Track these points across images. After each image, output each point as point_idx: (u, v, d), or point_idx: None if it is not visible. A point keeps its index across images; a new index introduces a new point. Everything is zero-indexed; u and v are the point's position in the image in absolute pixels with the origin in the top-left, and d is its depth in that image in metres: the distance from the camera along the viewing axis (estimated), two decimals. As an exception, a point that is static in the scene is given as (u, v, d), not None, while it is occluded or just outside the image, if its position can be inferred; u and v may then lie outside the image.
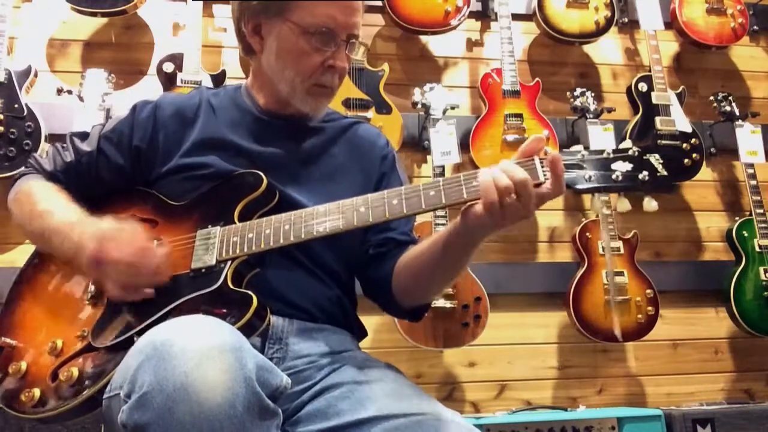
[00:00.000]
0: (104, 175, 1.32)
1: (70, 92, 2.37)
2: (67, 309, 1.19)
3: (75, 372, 1.07)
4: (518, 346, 2.67)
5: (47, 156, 1.35)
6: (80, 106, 2.33)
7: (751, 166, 2.70)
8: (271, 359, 1.02)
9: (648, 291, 2.52)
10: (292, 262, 1.22)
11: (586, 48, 3.01)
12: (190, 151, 1.29)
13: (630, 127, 2.72)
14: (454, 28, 2.76)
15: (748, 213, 2.72)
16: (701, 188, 2.94)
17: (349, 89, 2.54)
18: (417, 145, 2.73)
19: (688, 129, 2.72)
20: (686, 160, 2.70)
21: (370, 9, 2.83)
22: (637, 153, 1.08)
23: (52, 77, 2.63)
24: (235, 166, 1.26)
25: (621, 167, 1.07)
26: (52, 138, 2.38)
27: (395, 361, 1.26)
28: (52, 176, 1.32)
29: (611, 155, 1.08)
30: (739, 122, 2.77)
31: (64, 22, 2.69)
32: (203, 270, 1.12)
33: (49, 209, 1.22)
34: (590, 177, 1.06)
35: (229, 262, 1.12)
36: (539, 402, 2.61)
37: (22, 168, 1.37)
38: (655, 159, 1.08)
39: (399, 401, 1.06)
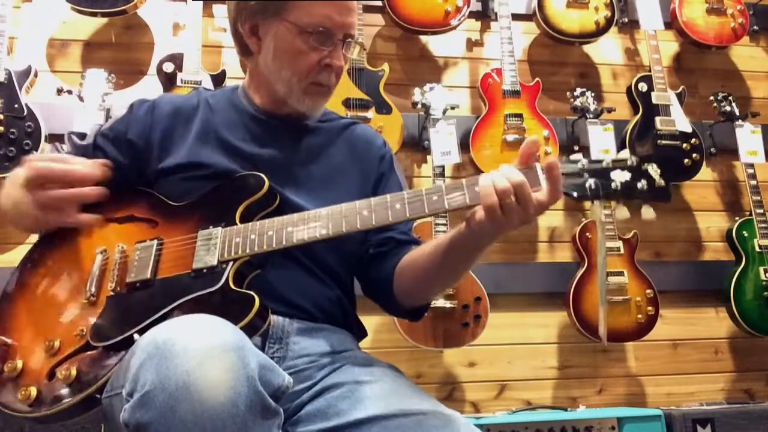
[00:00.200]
0: None
1: (70, 92, 2.37)
2: (64, 308, 1.18)
3: (73, 371, 1.07)
4: (518, 346, 2.67)
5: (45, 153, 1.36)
6: (80, 106, 2.33)
7: (751, 166, 2.70)
8: (271, 358, 1.02)
9: (648, 291, 2.52)
10: (292, 262, 1.22)
11: (586, 48, 3.01)
12: (187, 151, 1.29)
13: (630, 127, 2.72)
14: (454, 28, 2.76)
15: (748, 213, 2.72)
16: (701, 188, 2.94)
17: (349, 89, 2.54)
18: (417, 145, 2.73)
19: (688, 129, 2.72)
20: (686, 160, 2.69)
21: (370, 9, 2.83)
22: (635, 163, 1.10)
23: (52, 77, 2.63)
24: (234, 166, 1.26)
25: (619, 176, 1.09)
26: (52, 138, 2.38)
27: (395, 361, 1.27)
28: None
29: (610, 164, 1.09)
30: (739, 122, 2.77)
31: (64, 22, 2.69)
32: (204, 270, 1.12)
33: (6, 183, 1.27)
34: (590, 185, 1.08)
35: (231, 263, 1.12)
36: (539, 402, 2.61)
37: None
38: (652, 169, 1.10)
39: (399, 401, 1.06)
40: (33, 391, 1.08)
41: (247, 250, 1.12)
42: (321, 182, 1.32)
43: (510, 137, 2.59)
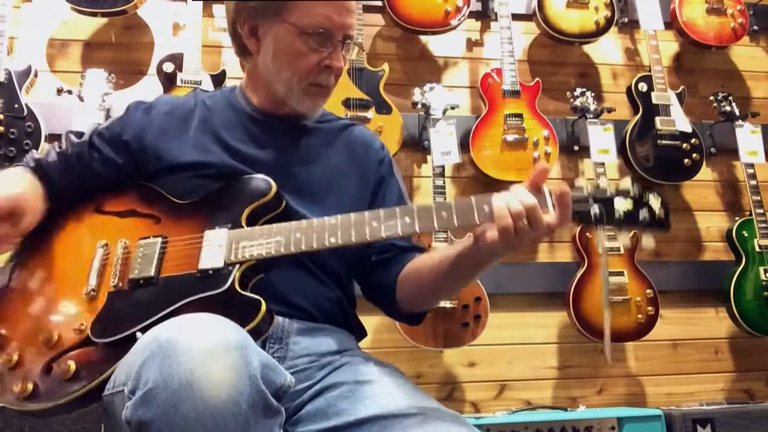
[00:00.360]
0: (96, 167, 1.32)
1: (70, 92, 2.37)
2: (62, 301, 1.17)
3: (72, 366, 1.06)
4: (518, 346, 2.67)
5: (42, 151, 1.36)
6: (80, 106, 2.33)
7: (751, 166, 2.70)
8: (272, 358, 1.03)
9: (648, 291, 2.52)
10: (292, 263, 1.22)
11: (586, 48, 3.01)
12: (186, 152, 1.29)
13: (630, 127, 2.72)
14: (454, 28, 2.76)
15: (748, 213, 2.72)
16: (701, 188, 2.94)
17: (349, 89, 2.54)
18: (417, 145, 2.73)
19: (688, 129, 2.72)
20: (686, 160, 2.70)
21: (370, 9, 2.83)
22: (637, 193, 1.14)
23: (52, 77, 2.63)
24: (232, 167, 1.27)
25: (623, 205, 1.12)
26: (52, 138, 2.38)
27: (395, 361, 1.27)
28: (38, 165, 1.32)
29: (614, 193, 1.13)
30: (739, 122, 2.77)
31: (64, 22, 2.69)
32: (210, 271, 1.12)
33: None
34: (595, 213, 1.11)
35: (238, 266, 1.12)
36: (539, 402, 2.61)
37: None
38: (654, 200, 1.14)
39: (399, 401, 1.07)
40: (29, 385, 1.07)
41: (255, 254, 1.12)
42: (319, 183, 1.32)
43: (510, 137, 2.59)
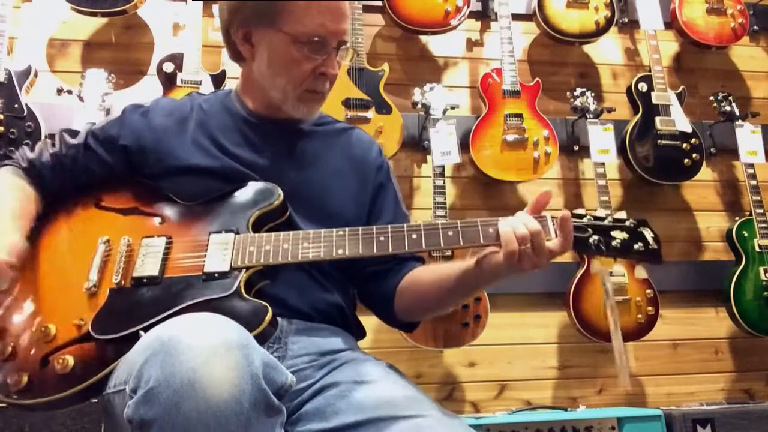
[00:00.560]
0: (91, 168, 1.32)
1: (70, 92, 2.37)
2: (62, 295, 1.17)
3: (70, 361, 1.05)
4: (518, 346, 2.67)
5: (36, 148, 1.34)
6: (80, 106, 2.33)
7: (751, 166, 2.70)
8: (270, 358, 1.03)
9: (648, 291, 2.52)
10: (291, 266, 1.22)
11: (586, 48, 3.01)
12: (184, 155, 1.29)
13: (630, 127, 2.72)
14: (454, 28, 2.76)
15: (748, 213, 2.72)
16: (701, 188, 2.94)
17: (349, 89, 2.54)
18: (417, 145, 2.73)
19: (688, 129, 2.72)
20: (686, 160, 2.69)
21: (370, 9, 2.83)
22: (632, 225, 1.20)
23: (52, 77, 2.63)
24: (232, 171, 1.27)
25: (619, 236, 1.19)
26: (52, 138, 2.38)
27: (395, 361, 1.27)
28: (31, 166, 1.31)
29: (611, 223, 1.20)
30: (739, 122, 2.77)
31: (64, 22, 2.69)
32: (216, 275, 1.12)
33: None
34: (593, 241, 1.17)
35: (244, 270, 1.12)
36: (539, 402, 2.61)
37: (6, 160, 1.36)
38: (647, 233, 1.20)
39: (398, 402, 1.07)
40: (24, 377, 1.06)
41: (261, 260, 1.14)
42: (317, 187, 1.33)
43: (510, 137, 2.59)
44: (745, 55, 3.17)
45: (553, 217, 1.14)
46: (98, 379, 1.04)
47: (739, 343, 2.79)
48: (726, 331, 2.79)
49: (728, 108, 2.80)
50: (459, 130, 2.54)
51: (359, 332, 1.36)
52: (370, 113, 2.53)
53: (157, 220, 1.24)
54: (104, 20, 2.68)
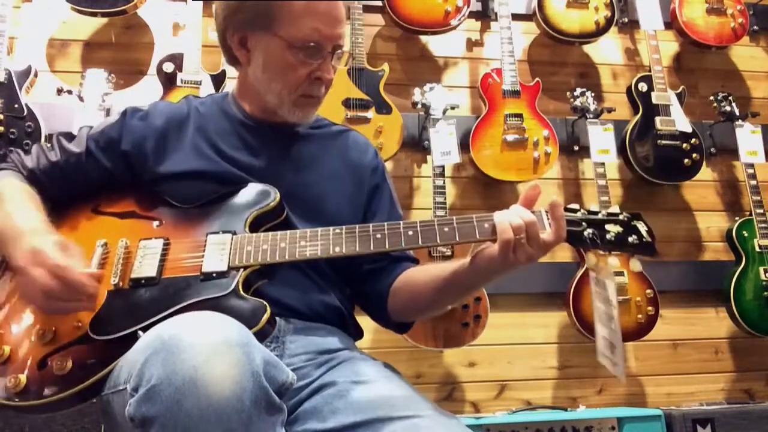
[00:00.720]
0: (93, 176, 1.31)
1: (70, 92, 2.37)
2: None
3: (69, 362, 1.05)
4: (518, 346, 2.67)
5: (31, 154, 1.33)
6: (80, 106, 2.33)
7: (751, 166, 2.69)
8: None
9: (648, 291, 2.52)
10: (288, 266, 1.22)
11: (586, 48, 3.01)
12: (182, 159, 1.29)
13: (630, 127, 2.72)
14: (454, 28, 2.76)
15: (748, 213, 2.72)
16: (701, 188, 2.94)
17: (349, 89, 2.54)
18: (417, 145, 2.73)
19: (688, 129, 2.72)
20: (686, 160, 2.69)
21: (370, 9, 2.83)
22: (626, 218, 1.22)
23: (52, 77, 2.63)
24: (230, 174, 1.28)
25: (613, 229, 1.20)
26: (49, 139, 2.38)
27: (395, 361, 1.27)
28: (31, 174, 1.30)
29: (605, 217, 1.21)
30: (739, 122, 2.77)
31: (64, 22, 2.70)
32: (214, 275, 1.13)
33: (18, 212, 1.20)
34: (588, 234, 1.18)
35: (242, 270, 1.13)
36: (539, 402, 2.61)
37: (2, 164, 1.35)
38: (641, 226, 1.22)
39: (395, 402, 1.07)
40: (22, 379, 1.06)
41: (259, 260, 1.14)
42: (313, 190, 1.33)
43: (510, 137, 2.59)
44: (745, 55, 3.17)
45: (546, 211, 1.15)
46: (97, 379, 1.04)
47: (739, 343, 2.79)
48: (726, 331, 2.79)
49: (728, 108, 2.80)
50: (459, 130, 2.54)
51: (357, 333, 1.36)
52: (370, 113, 2.53)
53: (154, 223, 1.24)
54: (104, 20, 2.68)
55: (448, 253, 2.35)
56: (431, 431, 1.01)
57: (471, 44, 2.99)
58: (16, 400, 1.06)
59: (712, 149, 2.91)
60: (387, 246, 1.15)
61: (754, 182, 2.66)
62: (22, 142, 2.32)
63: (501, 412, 2.39)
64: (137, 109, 1.37)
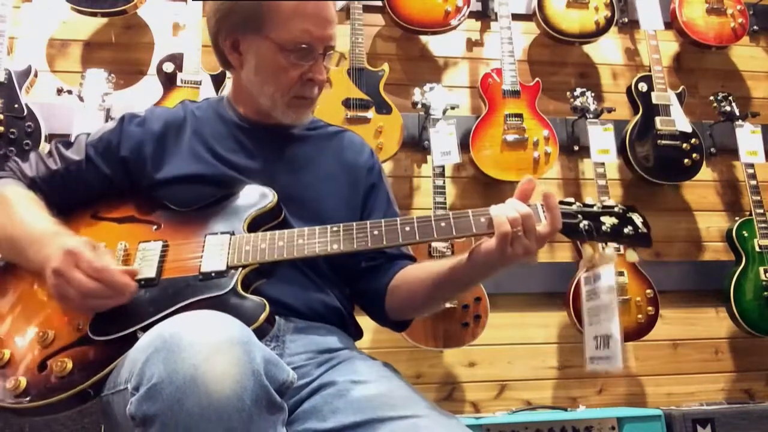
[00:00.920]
0: (92, 183, 1.32)
1: (70, 92, 2.37)
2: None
3: (69, 363, 1.05)
4: (518, 346, 2.67)
5: (29, 162, 1.33)
6: (80, 106, 2.33)
7: (751, 166, 2.69)
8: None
9: (648, 291, 2.52)
10: (287, 266, 1.23)
11: (586, 48, 3.01)
12: (180, 164, 1.30)
13: (630, 127, 2.72)
14: (454, 28, 2.76)
15: (748, 213, 2.72)
16: (701, 188, 2.94)
17: (349, 89, 2.54)
18: (417, 145, 2.73)
19: (688, 129, 2.72)
20: (686, 160, 2.69)
21: (370, 9, 2.83)
22: (621, 210, 1.23)
23: (52, 77, 2.63)
24: (228, 177, 1.28)
25: (609, 221, 1.21)
26: (52, 138, 2.38)
27: (395, 361, 1.27)
28: (32, 183, 1.31)
29: (601, 209, 1.22)
30: (739, 122, 2.77)
31: (64, 22, 2.70)
32: (213, 274, 1.13)
33: (29, 218, 1.20)
34: (584, 226, 1.20)
35: (240, 269, 1.13)
36: (539, 402, 2.61)
37: (1, 173, 1.35)
38: (636, 217, 1.23)
39: (395, 403, 1.07)
40: (22, 381, 1.06)
41: (257, 258, 1.15)
42: (310, 191, 1.34)
43: (510, 137, 2.59)
44: (745, 55, 3.17)
45: (541, 204, 1.15)
46: (97, 380, 1.04)
47: (739, 343, 2.79)
48: (726, 331, 2.79)
49: (728, 108, 2.80)
50: (459, 130, 2.54)
51: (357, 333, 1.37)
52: (370, 113, 2.53)
53: (153, 227, 1.25)
54: (104, 20, 2.68)
55: (448, 253, 2.35)
56: (431, 431, 1.01)
57: (471, 44, 2.99)
58: (17, 402, 1.06)
59: (712, 149, 2.91)
60: (384, 242, 1.15)
61: (754, 182, 2.66)
62: (22, 142, 2.32)
63: (501, 412, 2.39)
64: (135, 114, 1.38)
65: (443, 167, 2.49)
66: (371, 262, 1.35)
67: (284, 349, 1.18)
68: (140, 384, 0.85)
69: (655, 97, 2.73)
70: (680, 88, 2.80)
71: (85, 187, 1.32)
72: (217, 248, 1.16)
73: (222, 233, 1.19)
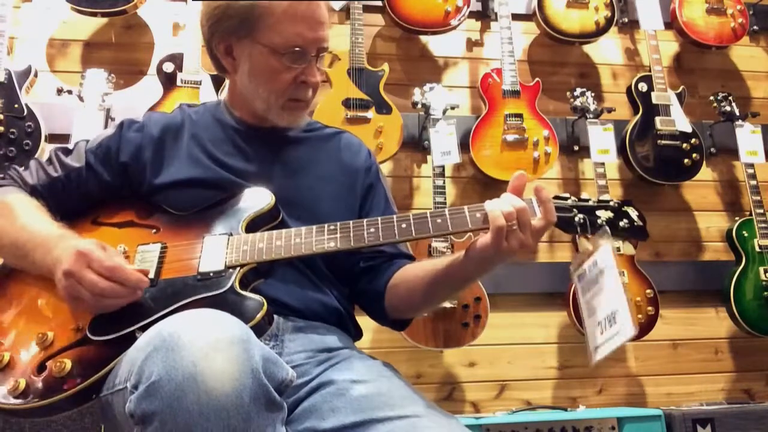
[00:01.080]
0: (93, 189, 1.33)
1: (70, 92, 2.37)
2: (59, 304, 1.16)
3: (68, 364, 1.06)
4: (518, 346, 2.67)
5: (29, 170, 1.34)
6: (80, 106, 2.33)
7: (751, 166, 2.69)
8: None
9: (648, 291, 2.52)
10: (286, 266, 1.24)
11: (586, 48, 3.01)
12: (179, 168, 1.31)
13: (630, 127, 2.72)
14: (454, 28, 2.76)
15: (748, 213, 2.72)
16: (701, 188, 2.94)
17: (348, 89, 2.54)
18: (417, 145, 2.73)
19: (688, 129, 2.72)
20: (686, 160, 2.70)
21: (370, 9, 2.83)
22: (617, 204, 1.25)
23: (52, 77, 2.63)
24: (226, 180, 1.29)
25: (604, 214, 1.23)
26: (52, 138, 2.38)
27: (395, 361, 1.27)
28: (33, 190, 1.31)
29: (596, 204, 1.24)
30: (739, 122, 2.77)
31: (64, 22, 2.70)
32: (211, 274, 1.13)
33: (33, 222, 1.21)
34: (579, 219, 1.21)
35: (238, 269, 1.14)
36: (539, 402, 2.61)
37: (2, 180, 1.35)
38: (631, 211, 1.25)
39: (394, 402, 1.07)
40: (21, 382, 1.06)
41: (255, 257, 1.15)
42: (307, 193, 1.34)
43: (510, 137, 2.59)
44: (745, 55, 3.17)
45: (534, 198, 1.17)
46: (96, 379, 1.04)
47: (739, 343, 2.79)
48: (726, 331, 2.79)
49: (728, 108, 2.80)
50: (459, 130, 2.54)
51: (356, 333, 1.37)
52: (370, 113, 2.53)
53: (152, 230, 1.26)
54: (104, 20, 2.68)
55: (448, 253, 2.35)
56: (430, 431, 1.01)
57: (471, 44, 2.99)
58: (16, 402, 1.06)
59: (712, 149, 2.91)
60: (381, 239, 1.16)
61: (754, 182, 2.66)
62: (22, 142, 2.32)
63: (501, 412, 2.39)
64: (133, 121, 1.39)
65: (443, 167, 2.49)
66: (370, 261, 1.36)
67: (283, 348, 1.18)
68: (139, 382, 0.85)
69: (655, 97, 2.73)
70: (680, 88, 2.80)
71: (85, 194, 1.33)
72: (215, 249, 1.17)
73: (220, 234, 1.20)
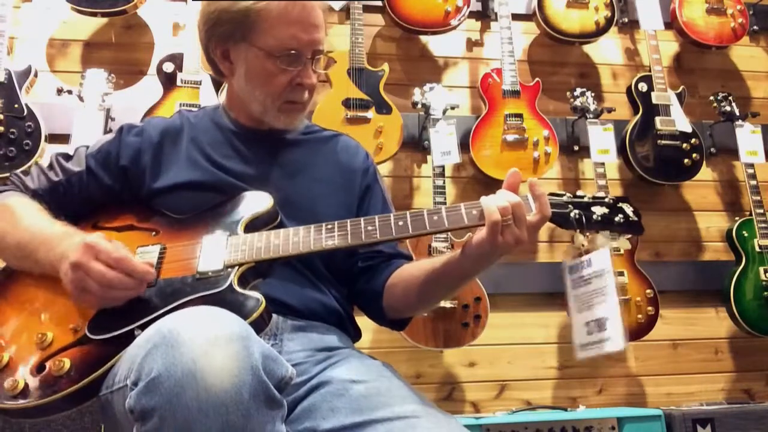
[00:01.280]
0: (94, 194, 1.34)
1: (70, 92, 2.37)
2: (57, 302, 1.17)
3: (66, 363, 1.06)
4: (518, 346, 2.67)
5: (30, 175, 1.35)
6: (80, 106, 2.33)
7: (751, 166, 2.70)
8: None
9: (648, 291, 2.52)
10: (286, 266, 1.24)
11: (586, 48, 3.01)
12: (178, 172, 1.32)
13: (630, 127, 2.72)
14: (454, 28, 2.76)
15: (748, 213, 2.72)
16: (701, 188, 2.94)
17: (348, 89, 2.55)
18: (417, 145, 2.73)
19: (688, 129, 2.72)
20: (686, 160, 2.70)
21: (370, 9, 2.84)
22: (612, 201, 1.26)
23: (52, 77, 2.63)
24: (225, 183, 1.30)
25: (599, 210, 1.23)
26: (52, 138, 2.38)
27: (394, 361, 1.27)
28: (35, 195, 1.32)
29: (591, 200, 1.25)
30: (739, 122, 2.77)
31: (64, 22, 2.70)
32: (210, 273, 1.14)
33: (35, 223, 1.22)
34: (574, 215, 1.22)
35: (237, 268, 1.14)
36: (539, 402, 2.61)
37: (3, 186, 1.36)
38: (627, 207, 1.26)
39: (393, 403, 1.07)
40: (20, 382, 1.06)
41: (254, 257, 1.16)
42: (306, 195, 1.35)
43: (510, 137, 2.59)
44: (745, 55, 3.17)
45: (529, 194, 1.18)
46: (95, 378, 1.04)
47: (739, 343, 2.79)
48: (726, 331, 2.79)
49: (728, 108, 2.80)
50: (459, 130, 2.54)
51: (356, 334, 1.37)
52: (370, 113, 2.53)
53: (152, 233, 1.27)
54: (104, 20, 2.68)
55: (448, 252, 2.35)
56: (429, 431, 1.01)
57: (471, 44, 2.99)
58: (15, 402, 1.06)
59: (712, 149, 2.91)
60: (378, 236, 1.16)
61: (754, 182, 2.66)
62: (22, 142, 2.33)
63: (501, 412, 2.39)
64: (133, 125, 1.40)
65: (443, 167, 2.49)
66: (368, 261, 1.37)
67: (282, 347, 1.19)
68: (139, 378, 0.86)
69: (655, 97, 2.73)
70: (680, 88, 2.80)
71: (86, 198, 1.34)
72: (214, 249, 1.17)
73: (219, 235, 1.20)
